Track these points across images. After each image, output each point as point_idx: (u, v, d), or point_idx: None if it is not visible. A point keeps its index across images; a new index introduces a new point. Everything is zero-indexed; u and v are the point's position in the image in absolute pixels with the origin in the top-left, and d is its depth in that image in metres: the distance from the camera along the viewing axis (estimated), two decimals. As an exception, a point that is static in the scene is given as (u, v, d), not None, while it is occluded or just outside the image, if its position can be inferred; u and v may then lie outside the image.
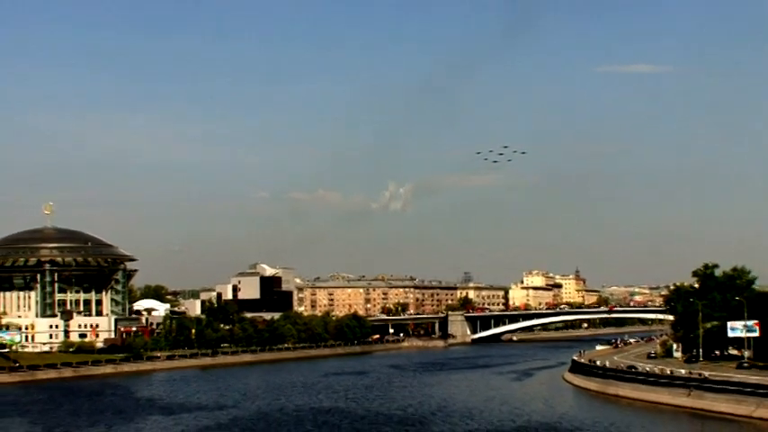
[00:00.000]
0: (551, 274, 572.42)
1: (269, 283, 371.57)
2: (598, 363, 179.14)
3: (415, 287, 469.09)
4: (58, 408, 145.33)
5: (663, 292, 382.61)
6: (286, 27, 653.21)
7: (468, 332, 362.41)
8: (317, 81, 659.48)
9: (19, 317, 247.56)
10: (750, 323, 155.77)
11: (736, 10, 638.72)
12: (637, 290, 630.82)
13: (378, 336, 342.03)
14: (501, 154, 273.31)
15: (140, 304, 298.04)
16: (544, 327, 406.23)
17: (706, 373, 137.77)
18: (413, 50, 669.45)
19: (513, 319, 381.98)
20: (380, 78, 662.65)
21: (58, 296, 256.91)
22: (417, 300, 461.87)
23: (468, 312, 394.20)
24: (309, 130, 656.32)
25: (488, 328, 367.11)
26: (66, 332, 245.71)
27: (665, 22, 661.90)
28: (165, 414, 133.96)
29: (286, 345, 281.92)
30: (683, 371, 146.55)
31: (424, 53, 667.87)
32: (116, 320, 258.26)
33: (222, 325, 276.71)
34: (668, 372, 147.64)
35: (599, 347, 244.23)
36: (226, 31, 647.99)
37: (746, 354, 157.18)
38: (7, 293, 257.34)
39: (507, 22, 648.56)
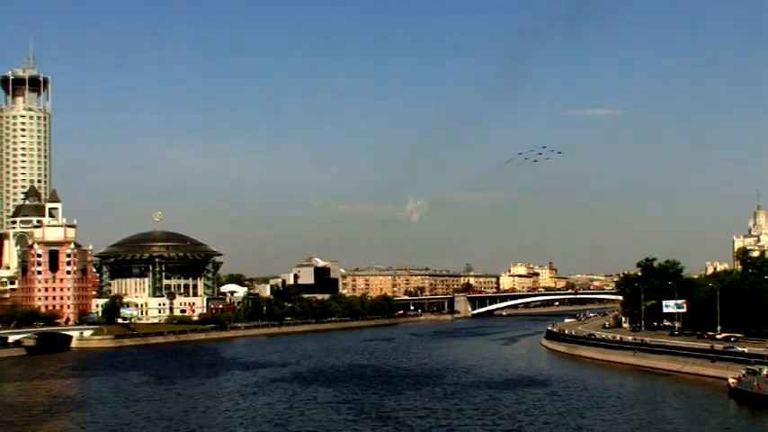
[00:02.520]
0: (531, 265, 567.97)
1: (321, 272, 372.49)
2: (566, 332, 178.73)
3: (430, 275, 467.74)
4: (165, 363, 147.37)
5: (615, 279, 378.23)
6: (329, 82, 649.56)
7: (469, 309, 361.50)
8: (354, 122, 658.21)
9: (136, 297, 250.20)
10: (679, 302, 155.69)
11: (670, 65, 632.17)
12: (595, 277, 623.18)
13: (402, 311, 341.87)
14: (540, 153, 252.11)
15: (225, 288, 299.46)
16: (526, 305, 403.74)
17: (647, 339, 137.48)
18: (427, 99, 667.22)
19: (503, 299, 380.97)
20: (404, 120, 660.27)
21: (164, 282, 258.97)
22: (431, 284, 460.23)
23: (469, 294, 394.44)
24: (351, 158, 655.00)
25: (484, 305, 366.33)
26: (171, 309, 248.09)
27: (618, 77, 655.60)
28: (244, 369, 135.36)
29: (333, 318, 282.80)
30: (629, 337, 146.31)
31: (436, 101, 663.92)
32: (207, 300, 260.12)
33: (286, 303, 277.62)
34: (618, 338, 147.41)
35: (567, 320, 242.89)
36: (304, 86, 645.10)
37: (677, 325, 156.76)
38: (127, 280, 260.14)
39: (499, 78, 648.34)
